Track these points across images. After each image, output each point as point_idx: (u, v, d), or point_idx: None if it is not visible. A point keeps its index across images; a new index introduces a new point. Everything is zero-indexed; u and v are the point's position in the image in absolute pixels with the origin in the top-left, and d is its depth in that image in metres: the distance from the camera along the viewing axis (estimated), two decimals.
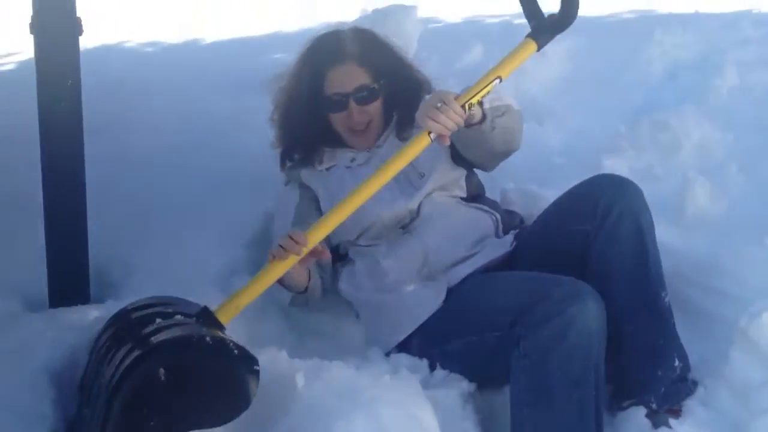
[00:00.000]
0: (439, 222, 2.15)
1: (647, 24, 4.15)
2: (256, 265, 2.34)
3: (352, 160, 2.26)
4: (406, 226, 2.17)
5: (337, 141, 2.28)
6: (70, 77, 2.09)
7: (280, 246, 1.79)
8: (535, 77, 3.72)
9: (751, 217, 2.25)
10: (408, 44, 3.55)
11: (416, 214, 2.17)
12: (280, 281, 1.92)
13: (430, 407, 1.73)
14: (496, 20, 4.73)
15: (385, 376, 1.77)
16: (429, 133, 1.82)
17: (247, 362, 1.57)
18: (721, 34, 3.91)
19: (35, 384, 1.84)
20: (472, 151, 2.14)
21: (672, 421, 1.78)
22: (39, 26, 2.08)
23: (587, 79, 3.70)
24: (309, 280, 2.07)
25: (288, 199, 2.28)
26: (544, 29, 1.97)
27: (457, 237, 2.14)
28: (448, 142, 1.87)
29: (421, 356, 2.00)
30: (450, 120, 1.79)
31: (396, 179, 2.16)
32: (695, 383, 1.88)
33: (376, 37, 2.29)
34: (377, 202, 2.12)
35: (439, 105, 1.80)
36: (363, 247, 2.19)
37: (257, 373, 1.57)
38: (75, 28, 2.10)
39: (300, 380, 1.68)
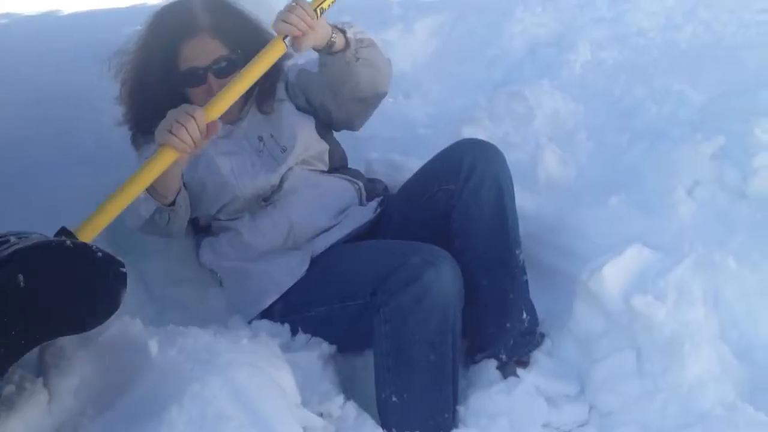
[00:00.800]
0: (302, 193, 2.16)
1: (509, 3, 4.27)
2: (112, 240, 2.28)
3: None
4: (267, 198, 2.16)
5: None
6: None
7: (177, 122, 1.65)
8: (401, 52, 3.77)
9: (597, 181, 2.38)
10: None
11: (278, 187, 2.16)
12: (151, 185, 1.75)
13: (288, 369, 1.74)
14: None
15: (243, 340, 1.77)
16: (284, 38, 1.78)
17: (111, 264, 1.49)
18: (578, 13, 4.06)
19: None
20: (339, 91, 2.09)
21: (520, 371, 1.86)
22: None
23: (452, 54, 3.77)
24: (179, 192, 1.94)
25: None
26: None
27: (320, 207, 2.15)
28: (303, 47, 1.82)
29: (283, 323, 2.01)
30: (301, 20, 1.77)
31: (258, 154, 2.16)
32: (542, 335, 1.98)
33: (226, 4, 2.20)
34: (239, 177, 2.11)
35: (290, 6, 1.78)
36: (225, 221, 2.17)
37: (124, 276, 1.50)
38: None
39: (153, 347, 1.66)
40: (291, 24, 1.77)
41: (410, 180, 2.20)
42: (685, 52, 3.43)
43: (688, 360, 1.74)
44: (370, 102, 2.16)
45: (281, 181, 2.16)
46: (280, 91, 2.24)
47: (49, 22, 4.73)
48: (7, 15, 4.88)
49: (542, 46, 3.70)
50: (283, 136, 2.17)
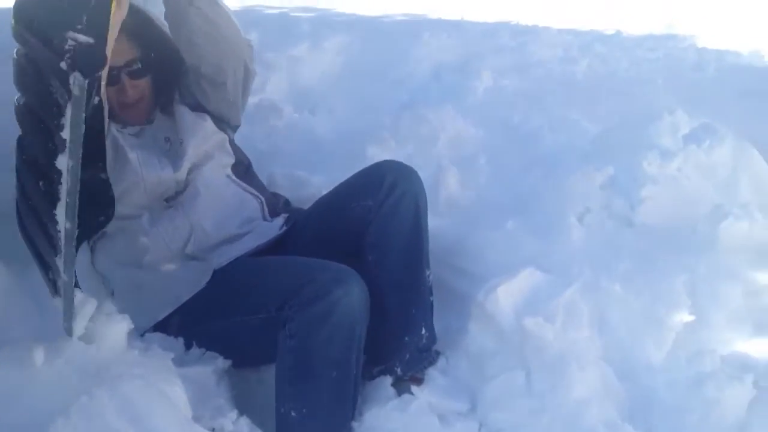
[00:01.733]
0: (207, 199, 2.13)
1: (417, 27, 4.36)
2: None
3: (122, 127, 2.17)
4: (170, 199, 2.12)
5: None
6: None
7: None
8: (309, 68, 3.79)
9: (494, 205, 2.45)
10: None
11: (183, 186, 2.13)
12: None
13: (180, 383, 1.71)
14: (274, 11, 4.77)
15: (134, 352, 1.73)
16: None
17: None
18: (482, 41, 4.19)
19: None
20: (178, 38, 2.12)
21: (414, 388, 1.89)
22: None
23: (359, 73, 3.82)
24: None
25: None
26: None
27: (223, 215, 2.13)
28: None
29: (178, 336, 1.97)
30: None
31: (161, 149, 2.14)
32: (438, 353, 2.02)
33: (139, 11, 2.19)
34: (143, 166, 2.08)
35: None
36: (122, 221, 2.11)
37: None
38: None
39: (39, 358, 1.60)
40: None
41: (326, 196, 2.22)
42: (581, 83, 3.59)
43: (573, 380, 1.81)
44: (225, 70, 2.18)
45: (187, 181, 2.13)
46: (189, 85, 2.26)
47: None
48: None
49: (447, 71, 3.78)
50: (182, 128, 2.20)
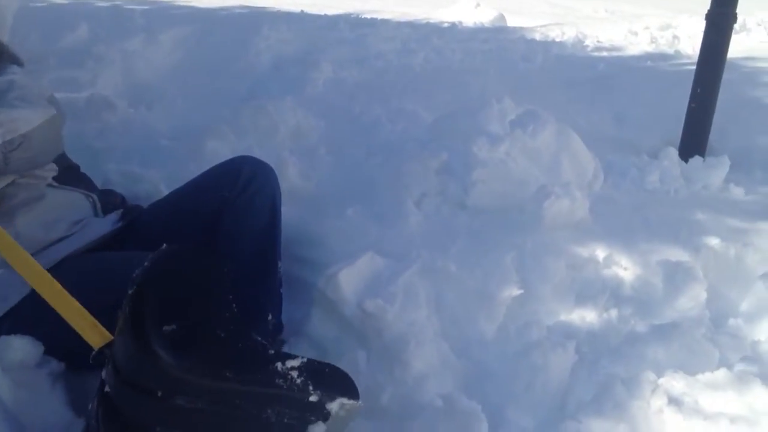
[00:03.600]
0: (31, 207, 2.04)
1: (256, 19, 4.34)
2: None
3: None
4: None
5: None
6: None
7: None
8: (145, 62, 3.69)
9: (336, 193, 2.49)
10: (2, 18, 3.29)
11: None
12: None
13: (10, 386, 1.65)
14: (106, 4, 4.60)
15: None
16: None
17: None
18: (322, 34, 4.23)
19: None
20: None
21: None
22: None
23: (198, 67, 3.76)
24: None
25: None
26: None
27: (50, 221, 2.04)
28: None
29: None
30: None
31: None
32: (282, 342, 2.04)
33: None
34: None
35: None
36: None
37: None
38: None
39: None
40: None
41: (180, 188, 2.17)
42: (418, 75, 3.70)
43: (412, 357, 1.88)
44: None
45: (2, 196, 2.02)
46: None
47: None
48: None
49: (287, 64, 3.80)
50: None
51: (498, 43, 4.65)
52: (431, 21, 5.23)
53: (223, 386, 1.45)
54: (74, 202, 2.11)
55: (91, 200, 2.15)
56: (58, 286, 1.62)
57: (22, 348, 1.82)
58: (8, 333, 1.88)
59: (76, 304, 1.62)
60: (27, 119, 1.87)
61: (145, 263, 1.54)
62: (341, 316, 1.99)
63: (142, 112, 3.17)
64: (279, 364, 1.49)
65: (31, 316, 1.88)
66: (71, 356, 1.89)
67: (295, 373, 1.49)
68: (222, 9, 4.89)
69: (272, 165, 2.43)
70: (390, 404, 1.83)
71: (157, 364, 1.42)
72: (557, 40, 4.86)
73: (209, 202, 2.04)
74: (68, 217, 2.05)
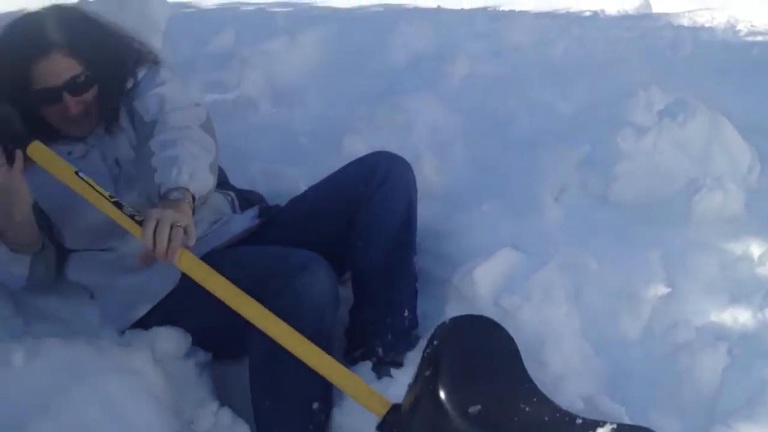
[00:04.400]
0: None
1: (393, 16, 4.36)
2: None
3: (69, 153, 2.04)
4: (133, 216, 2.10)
5: (50, 133, 2.04)
6: None
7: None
8: (286, 63, 3.79)
9: (472, 188, 2.47)
10: (156, 26, 3.47)
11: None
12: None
13: (162, 377, 1.73)
14: (251, 7, 4.77)
15: (114, 347, 1.74)
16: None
17: None
18: (458, 29, 4.19)
19: None
20: None
21: (394, 371, 1.90)
22: None
23: (335, 65, 3.81)
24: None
25: None
26: None
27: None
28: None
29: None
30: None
31: (110, 173, 2.06)
32: (418, 337, 2.03)
33: (84, 16, 2.07)
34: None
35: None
36: (85, 242, 2.09)
37: None
38: None
39: (18, 358, 1.61)
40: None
41: (315, 186, 2.22)
42: (557, 66, 3.60)
43: (551, 356, 1.82)
44: None
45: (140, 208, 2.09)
46: (123, 116, 2.09)
47: None
48: None
49: (423, 60, 3.78)
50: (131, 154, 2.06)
51: (643, 31, 4.44)
52: (571, 10, 5.07)
53: None
54: (213, 203, 2.16)
55: (229, 198, 2.22)
56: (330, 358, 1.67)
57: (172, 339, 1.92)
58: (158, 325, 1.98)
59: (347, 371, 1.67)
60: (198, 149, 1.89)
61: (439, 333, 1.61)
62: (476, 312, 1.95)
63: (283, 111, 3.25)
64: None
65: (180, 308, 1.97)
66: (218, 347, 1.98)
67: None
68: (359, 8, 4.94)
69: (408, 161, 2.44)
70: None
71: None
72: (707, 25, 4.59)
73: (346, 198, 2.06)
74: (207, 218, 2.12)
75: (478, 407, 1.54)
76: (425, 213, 2.33)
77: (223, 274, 1.87)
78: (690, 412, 1.75)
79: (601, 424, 1.54)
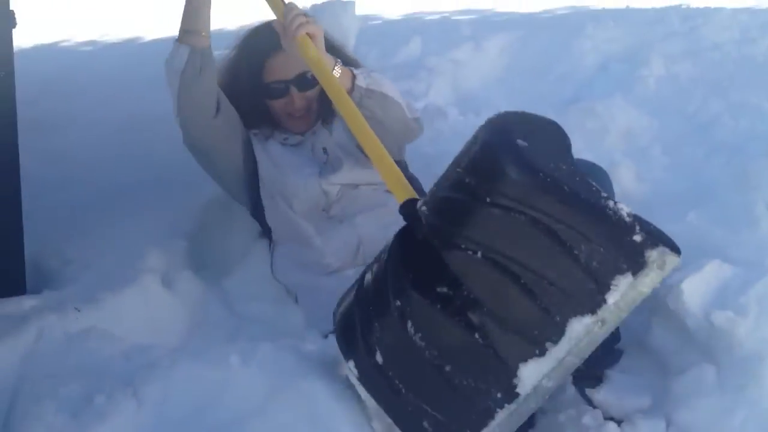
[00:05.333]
0: (368, 213, 2.21)
1: (580, 19, 4.26)
2: (193, 258, 2.38)
3: (285, 139, 2.31)
4: (327, 209, 2.21)
5: (273, 125, 2.34)
6: (3, 68, 2.08)
7: None
8: (472, 71, 3.80)
9: (673, 197, 2.35)
10: (346, 39, 3.59)
11: (337, 198, 2.24)
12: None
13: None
14: (435, 16, 4.83)
15: (317, 352, 1.81)
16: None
17: None
18: (650, 28, 4.03)
19: None
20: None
21: (590, 391, 1.84)
22: None
23: (521, 71, 3.79)
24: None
25: None
26: None
27: (389, 224, 2.18)
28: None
29: None
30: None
31: (317, 160, 2.30)
32: (620, 352, 1.96)
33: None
34: (294, 173, 2.25)
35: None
36: (290, 229, 2.22)
37: None
38: (9, 19, 2.09)
39: (235, 360, 1.71)
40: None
41: None
42: (761, 65, 3.37)
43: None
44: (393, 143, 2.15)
45: (341, 196, 2.23)
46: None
47: (131, 49, 4.93)
48: (92, 42, 5.10)
49: (614, 62, 3.68)
50: (341, 149, 2.29)
51: None
52: None
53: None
54: None
55: None
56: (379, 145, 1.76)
57: None
58: None
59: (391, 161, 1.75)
60: (394, 90, 2.11)
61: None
62: (684, 327, 1.86)
63: (470, 119, 3.26)
64: (611, 202, 1.43)
65: None
66: None
67: (624, 212, 1.42)
68: (545, 11, 4.88)
69: (604, 168, 2.37)
70: (744, 427, 1.67)
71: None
72: None
73: None
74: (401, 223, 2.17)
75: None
76: None
77: None
78: None
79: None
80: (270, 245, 2.37)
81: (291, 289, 2.25)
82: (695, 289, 1.87)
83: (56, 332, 1.96)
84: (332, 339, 2.02)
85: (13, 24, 2.10)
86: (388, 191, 2.25)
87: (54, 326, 1.97)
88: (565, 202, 1.40)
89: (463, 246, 1.45)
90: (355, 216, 2.21)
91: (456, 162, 1.55)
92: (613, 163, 2.41)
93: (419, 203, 1.58)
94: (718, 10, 4.54)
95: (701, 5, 4.77)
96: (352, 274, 2.10)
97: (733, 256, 1.98)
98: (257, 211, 2.37)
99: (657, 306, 1.92)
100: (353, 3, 3.78)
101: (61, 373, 1.80)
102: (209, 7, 2.11)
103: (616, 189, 2.36)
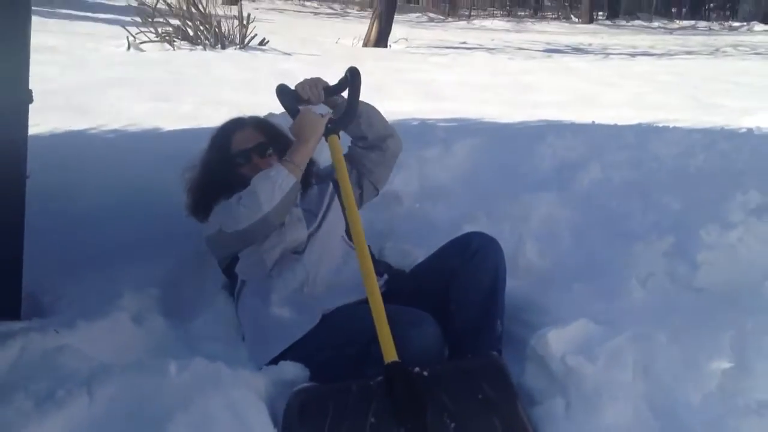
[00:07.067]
0: (322, 254, 2.67)
1: (547, 129, 4.76)
2: (164, 303, 2.82)
3: None
4: (297, 252, 2.65)
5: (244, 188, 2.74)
6: (18, 132, 2.60)
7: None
8: (441, 167, 4.27)
9: (569, 272, 2.76)
10: None
11: (306, 246, 2.67)
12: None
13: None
14: (415, 123, 5.37)
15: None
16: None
17: None
18: (605, 141, 4.48)
19: None
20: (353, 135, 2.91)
21: None
22: None
23: (485, 169, 4.22)
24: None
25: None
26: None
27: (334, 268, 2.65)
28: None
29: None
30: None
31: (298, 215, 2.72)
32: None
33: (269, 121, 2.99)
34: (288, 229, 2.67)
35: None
36: (252, 266, 2.65)
37: None
38: (27, 95, 2.62)
39: (172, 370, 2.13)
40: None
41: (424, 260, 2.74)
42: (690, 175, 3.79)
43: (606, 410, 2.07)
44: (379, 148, 2.92)
45: (310, 242, 2.68)
46: (320, 171, 2.94)
47: (148, 137, 5.51)
48: (116, 131, 5.71)
49: (567, 167, 4.12)
50: (318, 205, 2.81)
51: None
52: (727, 127, 5.22)
53: None
54: (350, 257, 2.67)
55: None
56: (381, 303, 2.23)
57: (294, 371, 2.37)
58: (291, 359, 2.43)
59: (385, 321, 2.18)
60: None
61: None
62: (548, 370, 2.24)
63: (426, 206, 3.70)
64: None
65: (307, 347, 2.42)
66: (334, 380, 2.39)
67: None
68: (519, 123, 5.39)
69: (514, 244, 2.80)
70: None
71: None
72: None
73: (444, 268, 2.48)
74: (344, 269, 2.65)
75: None
76: (523, 289, 2.69)
77: (348, 322, 2.44)
78: None
79: None
80: (235, 292, 2.77)
81: (242, 327, 2.65)
82: (560, 339, 2.27)
83: (36, 347, 2.39)
84: (265, 369, 2.43)
85: (30, 100, 2.63)
86: (342, 237, 2.74)
87: (35, 342, 2.40)
88: None
89: None
90: (310, 257, 2.64)
91: None
92: (523, 241, 2.84)
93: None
94: (674, 129, 5.03)
95: (661, 125, 5.26)
96: (289, 312, 2.51)
97: (601, 319, 2.38)
98: (231, 263, 2.78)
99: (529, 353, 2.31)
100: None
101: (34, 375, 2.23)
102: None
103: (523, 263, 2.80)
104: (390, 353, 2.12)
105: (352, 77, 2.77)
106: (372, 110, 2.91)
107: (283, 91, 2.78)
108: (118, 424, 2.03)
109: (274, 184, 2.53)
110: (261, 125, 2.90)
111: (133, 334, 2.61)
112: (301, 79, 2.78)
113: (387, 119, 3.05)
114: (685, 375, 2.20)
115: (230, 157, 2.79)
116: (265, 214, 2.53)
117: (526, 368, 2.32)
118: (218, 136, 2.88)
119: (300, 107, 2.71)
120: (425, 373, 2.10)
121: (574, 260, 2.82)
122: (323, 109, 2.70)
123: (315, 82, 2.76)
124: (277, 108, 2.95)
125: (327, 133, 2.67)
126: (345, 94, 2.82)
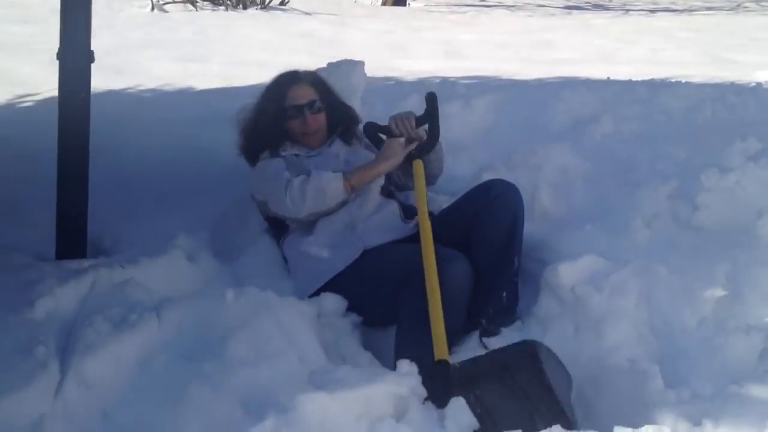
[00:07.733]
0: (363, 202, 2.92)
1: (561, 85, 4.98)
2: (213, 244, 3.12)
3: (306, 152, 3.05)
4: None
5: (291, 141, 3.08)
6: (83, 90, 2.89)
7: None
8: (462, 123, 4.52)
9: (582, 215, 3.02)
10: (355, 94, 4.34)
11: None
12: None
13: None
14: (437, 79, 5.60)
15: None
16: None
17: None
18: (617, 96, 4.70)
19: None
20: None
21: (486, 340, 2.51)
22: (63, 54, 2.88)
23: (503, 125, 4.46)
24: None
25: (271, 163, 3.00)
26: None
27: (372, 211, 2.91)
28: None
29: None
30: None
31: (335, 165, 2.99)
32: (516, 318, 2.64)
33: (322, 78, 3.23)
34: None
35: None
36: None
37: None
38: (89, 55, 2.90)
39: (230, 297, 2.44)
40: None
41: (450, 205, 3.03)
42: (697, 127, 4.02)
43: (610, 332, 2.35)
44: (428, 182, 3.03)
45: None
46: (359, 132, 3.16)
47: (183, 96, 5.80)
48: (152, 90, 6.00)
49: (581, 122, 4.36)
50: (357, 161, 3.03)
51: None
52: (738, 82, 5.41)
53: None
54: (386, 204, 2.97)
55: (398, 204, 2.97)
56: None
57: (334, 302, 2.67)
58: (333, 292, 2.72)
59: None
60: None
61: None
62: (560, 299, 2.53)
63: (449, 158, 3.96)
64: None
65: (348, 280, 2.71)
66: (367, 315, 2.70)
67: None
68: (535, 80, 5.60)
69: (531, 191, 3.07)
70: (588, 364, 2.32)
71: None
72: None
73: (468, 210, 2.77)
74: (380, 212, 2.93)
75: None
76: (539, 230, 2.96)
77: (389, 257, 2.76)
78: (721, 378, 2.17)
79: None
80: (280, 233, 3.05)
81: (287, 262, 2.94)
82: (570, 271, 2.55)
83: (105, 280, 2.70)
84: (307, 300, 2.73)
85: (92, 59, 2.91)
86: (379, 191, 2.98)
87: (104, 277, 2.72)
88: None
89: None
90: (352, 204, 2.88)
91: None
92: (539, 188, 3.11)
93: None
94: (685, 84, 5.23)
95: (673, 80, 5.45)
96: (334, 246, 2.80)
97: (608, 254, 2.65)
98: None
99: (542, 283, 2.60)
100: (363, 63, 4.53)
101: (107, 303, 2.54)
102: None
103: (539, 208, 3.07)
104: (442, 351, 2.23)
105: (430, 103, 3.04)
106: (440, 149, 3.15)
107: (372, 127, 3.06)
108: (186, 343, 2.35)
109: (325, 194, 2.80)
110: (315, 82, 3.13)
111: (189, 269, 2.92)
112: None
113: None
114: (682, 302, 2.47)
115: (283, 110, 3.03)
116: (305, 214, 2.83)
117: (540, 297, 2.60)
118: (273, 88, 3.11)
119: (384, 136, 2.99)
120: (463, 368, 2.16)
121: (585, 205, 3.07)
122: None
123: (406, 117, 3.02)
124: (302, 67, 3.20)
125: (412, 158, 2.93)
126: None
